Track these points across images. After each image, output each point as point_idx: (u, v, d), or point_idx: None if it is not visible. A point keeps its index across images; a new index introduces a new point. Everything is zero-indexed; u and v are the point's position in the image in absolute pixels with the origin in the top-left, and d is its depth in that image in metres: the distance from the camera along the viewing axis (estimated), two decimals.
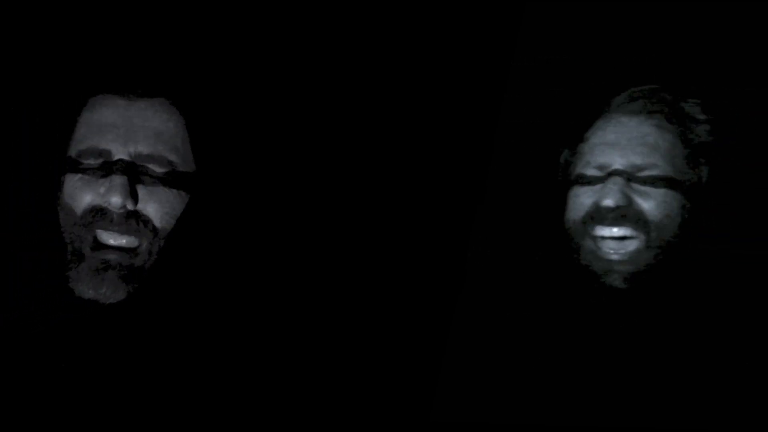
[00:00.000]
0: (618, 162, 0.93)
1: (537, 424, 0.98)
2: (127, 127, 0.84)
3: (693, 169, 0.95)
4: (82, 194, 0.85)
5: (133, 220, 0.84)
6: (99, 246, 0.85)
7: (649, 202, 0.92)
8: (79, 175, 0.85)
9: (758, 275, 0.97)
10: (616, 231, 0.93)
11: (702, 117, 0.97)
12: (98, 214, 0.84)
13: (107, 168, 0.84)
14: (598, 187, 0.94)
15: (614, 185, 0.92)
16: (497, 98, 1.08)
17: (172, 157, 0.85)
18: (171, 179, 0.85)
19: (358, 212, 1.09)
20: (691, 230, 0.94)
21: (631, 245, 0.93)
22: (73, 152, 0.87)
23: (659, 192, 0.92)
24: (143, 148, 0.84)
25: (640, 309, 0.94)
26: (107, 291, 0.83)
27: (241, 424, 0.90)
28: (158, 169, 0.85)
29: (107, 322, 0.83)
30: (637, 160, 0.93)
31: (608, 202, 0.91)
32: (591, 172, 0.95)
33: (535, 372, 1.00)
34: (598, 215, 0.93)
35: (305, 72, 1.11)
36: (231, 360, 0.91)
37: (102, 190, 0.83)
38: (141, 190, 0.84)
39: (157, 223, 0.84)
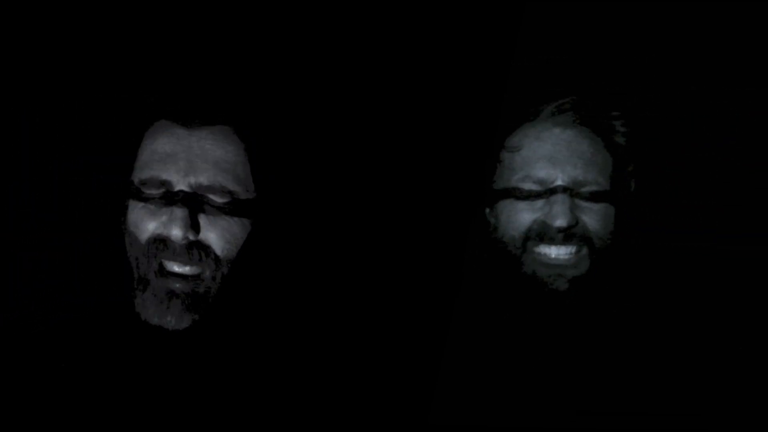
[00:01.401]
0: (561, 178, 0.90)
1: (536, 426, 0.98)
2: (188, 158, 0.84)
3: (622, 180, 0.94)
4: (145, 223, 0.84)
5: (195, 249, 0.84)
6: (164, 273, 0.85)
7: (592, 217, 0.91)
8: (142, 204, 0.85)
9: (697, 268, 1.01)
10: (564, 250, 0.92)
11: (623, 129, 0.95)
12: (161, 244, 0.84)
13: (169, 198, 0.84)
14: (539, 203, 0.92)
15: (563, 204, 0.89)
16: (497, 98, 1.07)
17: (233, 187, 0.85)
18: (232, 208, 0.85)
19: (356, 214, 1.08)
20: (623, 234, 0.94)
21: (575, 257, 0.92)
22: (135, 179, 0.87)
23: (599, 206, 0.91)
24: (204, 179, 0.84)
25: (588, 309, 0.94)
26: (172, 319, 0.84)
27: (241, 424, 0.90)
28: (219, 199, 0.85)
29: (172, 347, 0.84)
30: (579, 175, 0.91)
31: (561, 222, 0.89)
32: (530, 186, 0.92)
33: (532, 375, 1.00)
34: (546, 234, 0.91)
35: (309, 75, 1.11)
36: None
37: (164, 219, 0.84)
38: (202, 220, 0.84)
39: (218, 251, 0.85)
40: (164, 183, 0.84)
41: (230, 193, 0.85)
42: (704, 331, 0.99)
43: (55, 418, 0.87)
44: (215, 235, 0.84)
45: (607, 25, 1.11)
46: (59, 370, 0.88)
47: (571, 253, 0.92)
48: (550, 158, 0.91)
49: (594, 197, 0.91)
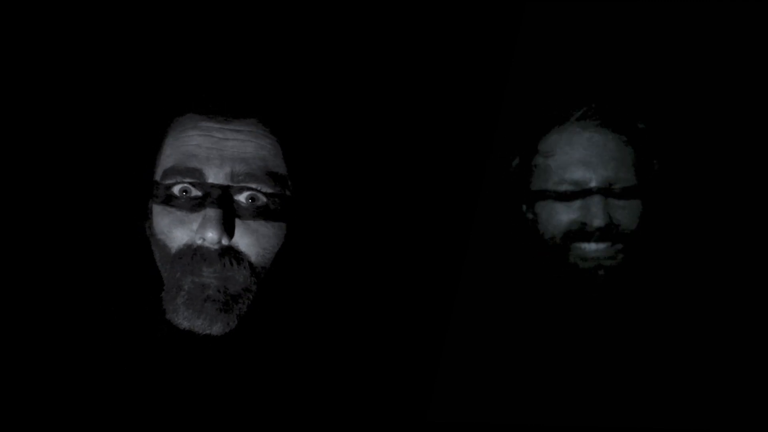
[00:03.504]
0: (594, 179, 0.97)
1: (535, 424, 0.99)
2: (220, 151, 0.78)
3: (649, 174, 1.01)
4: (175, 232, 0.80)
5: (228, 257, 0.79)
6: (196, 280, 0.80)
7: (624, 214, 0.98)
8: (169, 209, 0.79)
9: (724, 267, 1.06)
10: (603, 247, 0.98)
11: (642, 126, 1.01)
12: (194, 255, 0.79)
13: (200, 201, 0.79)
14: (576, 204, 0.98)
15: (598, 204, 0.96)
16: (497, 98, 1.08)
17: (268, 185, 0.79)
18: (266, 211, 0.79)
19: (356, 213, 1.09)
20: (652, 227, 1.01)
21: (611, 250, 0.99)
22: (159, 175, 0.81)
23: (629, 202, 0.98)
24: (236, 180, 0.79)
25: (624, 303, 1.01)
26: (204, 323, 0.79)
27: (239, 424, 0.92)
28: (255, 200, 0.80)
29: (203, 352, 0.81)
30: (610, 175, 0.97)
31: (598, 223, 0.96)
32: (565, 188, 0.99)
33: (532, 372, 1.01)
34: (584, 233, 0.98)
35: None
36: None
37: (195, 225, 0.79)
38: (237, 224, 0.79)
39: (252, 258, 0.80)
40: (196, 173, 0.78)
41: (265, 193, 0.80)
42: (719, 332, 1.01)
43: (64, 421, 0.86)
44: (249, 240, 0.80)
45: (607, 25, 1.10)
46: (68, 368, 0.87)
47: (607, 248, 0.98)
48: (583, 162, 0.98)
49: (624, 194, 0.98)
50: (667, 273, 1.05)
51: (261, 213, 0.79)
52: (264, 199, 0.79)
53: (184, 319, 0.79)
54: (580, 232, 0.98)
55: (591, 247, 0.98)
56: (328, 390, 0.95)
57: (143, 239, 0.84)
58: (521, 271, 1.06)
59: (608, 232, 0.97)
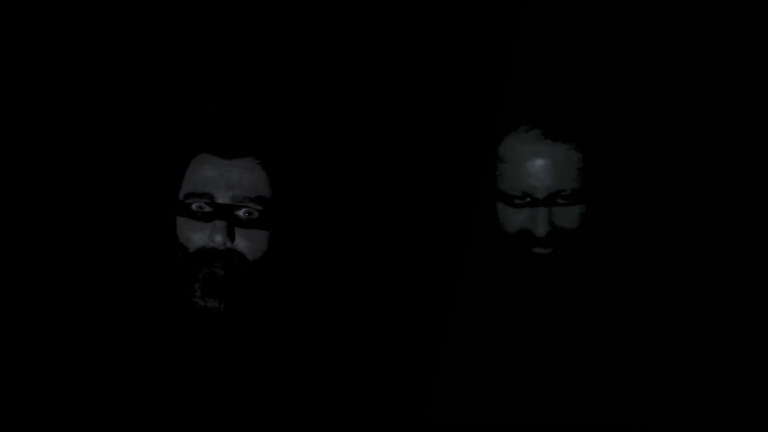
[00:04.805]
0: (540, 191, 1.04)
1: (535, 424, 0.99)
2: (227, 180, 1.07)
3: (597, 178, 1.06)
4: (192, 236, 1.07)
5: (232, 255, 1.06)
6: (208, 273, 1.06)
7: (568, 220, 1.04)
8: (189, 221, 1.08)
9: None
10: (547, 250, 1.05)
11: (592, 131, 1.06)
12: (207, 253, 1.06)
13: (210, 214, 1.07)
14: (524, 211, 1.05)
15: (543, 215, 1.04)
16: (497, 98, 1.08)
17: (260, 205, 1.07)
18: (260, 222, 1.07)
19: (356, 212, 1.10)
20: (601, 226, 1.07)
21: (557, 254, 1.05)
22: (182, 195, 1.09)
23: (574, 209, 1.05)
24: (237, 201, 1.07)
25: (586, 304, 1.08)
26: (215, 302, 1.05)
27: (238, 423, 0.93)
28: (249, 215, 1.07)
29: (214, 325, 1.07)
30: (556, 185, 1.04)
31: (541, 232, 1.03)
32: (515, 193, 1.06)
33: (532, 371, 1.02)
34: (530, 239, 1.05)
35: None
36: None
37: (207, 232, 1.06)
38: (237, 231, 1.06)
39: (249, 257, 1.06)
40: (209, 195, 1.07)
41: (258, 210, 1.07)
42: (703, 330, 1.01)
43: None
44: (246, 243, 1.06)
45: (607, 26, 1.10)
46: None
47: (554, 251, 1.05)
48: (532, 174, 1.04)
49: (570, 200, 1.04)
50: (637, 270, 1.09)
51: (254, 224, 1.07)
52: (257, 214, 1.07)
53: (199, 299, 1.05)
54: (527, 236, 1.05)
55: (535, 249, 1.05)
56: (328, 390, 1.02)
57: (169, 242, 1.10)
58: (516, 270, 1.07)
59: (551, 238, 1.04)
